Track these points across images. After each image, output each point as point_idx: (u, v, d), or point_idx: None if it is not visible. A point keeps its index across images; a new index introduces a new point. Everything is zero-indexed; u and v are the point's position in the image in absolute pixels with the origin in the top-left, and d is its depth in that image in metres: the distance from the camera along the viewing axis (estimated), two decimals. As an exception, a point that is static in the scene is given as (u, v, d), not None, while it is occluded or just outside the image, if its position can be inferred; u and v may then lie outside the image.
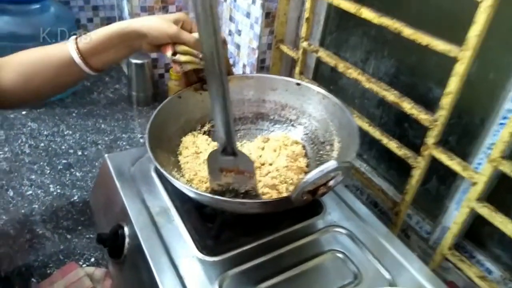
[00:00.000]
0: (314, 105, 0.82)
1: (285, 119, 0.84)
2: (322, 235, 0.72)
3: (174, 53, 0.67)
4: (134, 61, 1.38)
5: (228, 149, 0.59)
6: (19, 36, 1.19)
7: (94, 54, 0.65)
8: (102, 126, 1.29)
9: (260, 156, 0.80)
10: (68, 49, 0.64)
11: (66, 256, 0.85)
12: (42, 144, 1.17)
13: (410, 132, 0.94)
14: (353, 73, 0.94)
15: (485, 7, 0.64)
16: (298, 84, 0.84)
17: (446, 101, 0.75)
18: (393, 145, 0.88)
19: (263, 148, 0.82)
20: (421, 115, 0.81)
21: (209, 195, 0.60)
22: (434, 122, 0.78)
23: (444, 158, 0.78)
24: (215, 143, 0.81)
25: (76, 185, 1.03)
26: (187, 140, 0.77)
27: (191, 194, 0.62)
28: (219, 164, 0.62)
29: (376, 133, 0.92)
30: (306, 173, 0.78)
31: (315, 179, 0.54)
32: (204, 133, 0.82)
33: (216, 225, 0.69)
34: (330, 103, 0.83)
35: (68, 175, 1.07)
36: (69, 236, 0.89)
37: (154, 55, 1.43)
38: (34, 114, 1.29)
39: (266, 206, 0.62)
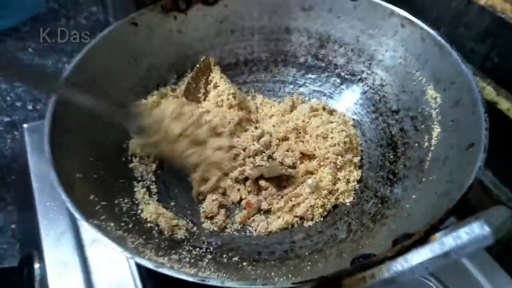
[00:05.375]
0: (383, 38, 0.44)
1: (325, 65, 0.51)
2: None
3: None
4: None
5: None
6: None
7: None
8: (67, 66, 0.94)
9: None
10: None
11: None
12: (-20, 94, 0.84)
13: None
14: (456, -24, 0.51)
15: None
16: (353, -3, 0.45)
17: None
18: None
19: (287, 122, 0.46)
20: None
21: (184, 276, 0.26)
22: None
23: None
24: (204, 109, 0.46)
25: (16, 157, 0.72)
26: (151, 103, 0.47)
27: (143, 263, 0.27)
28: None
29: (486, 89, 0.52)
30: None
31: (423, 272, 0.18)
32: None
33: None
34: (415, 36, 0.44)
35: (9, 140, 0.76)
36: (-4, 240, 0.60)
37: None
38: (-25, 50, 0.95)
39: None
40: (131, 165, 0.42)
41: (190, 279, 0.24)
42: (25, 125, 0.54)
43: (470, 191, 0.28)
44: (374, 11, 0.48)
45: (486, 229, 0.18)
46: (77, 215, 0.28)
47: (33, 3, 1.10)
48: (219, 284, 0.24)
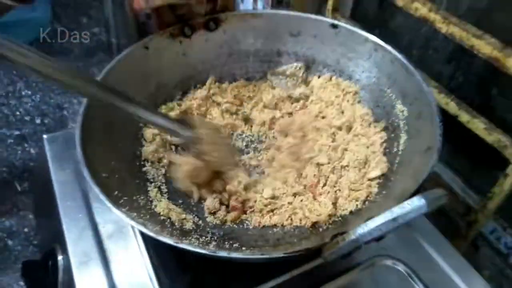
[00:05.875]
0: (359, 61, 0.51)
1: (311, 84, 0.56)
2: (363, 273, 0.43)
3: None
4: (109, -5, 1.04)
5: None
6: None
7: None
8: (72, 83, 1.00)
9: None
10: None
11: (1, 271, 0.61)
12: (-9, 109, 0.90)
13: (502, 106, 0.61)
14: (421, 8, 0.60)
15: None
16: (334, 26, 0.52)
17: None
18: (478, 125, 0.57)
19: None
20: (541, 80, 0.48)
21: (198, 250, 0.32)
22: None
23: None
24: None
25: (27, 167, 0.78)
26: None
27: (165, 240, 0.34)
28: None
29: (450, 104, 0.60)
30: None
31: (380, 233, 0.25)
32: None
33: (196, 263, 0.42)
34: (386, 59, 0.52)
35: (19, 151, 0.81)
36: (10, 243, 0.65)
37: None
38: (-15, 68, 1.01)
39: (274, 259, 0.34)
40: (144, 169, 0.48)
41: (203, 251, 0.31)
42: (44, 136, 0.60)
43: (424, 183, 0.35)
44: (352, 37, 0.57)
45: (422, 201, 0.24)
46: (108, 204, 0.34)
47: (38, 24, 1.17)
48: (225, 255, 0.30)
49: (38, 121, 0.91)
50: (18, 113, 0.91)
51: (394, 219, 0.25)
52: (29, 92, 0.97)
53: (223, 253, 0.31)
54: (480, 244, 0.71)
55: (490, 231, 0.69)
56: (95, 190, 0.35)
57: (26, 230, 0.68)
